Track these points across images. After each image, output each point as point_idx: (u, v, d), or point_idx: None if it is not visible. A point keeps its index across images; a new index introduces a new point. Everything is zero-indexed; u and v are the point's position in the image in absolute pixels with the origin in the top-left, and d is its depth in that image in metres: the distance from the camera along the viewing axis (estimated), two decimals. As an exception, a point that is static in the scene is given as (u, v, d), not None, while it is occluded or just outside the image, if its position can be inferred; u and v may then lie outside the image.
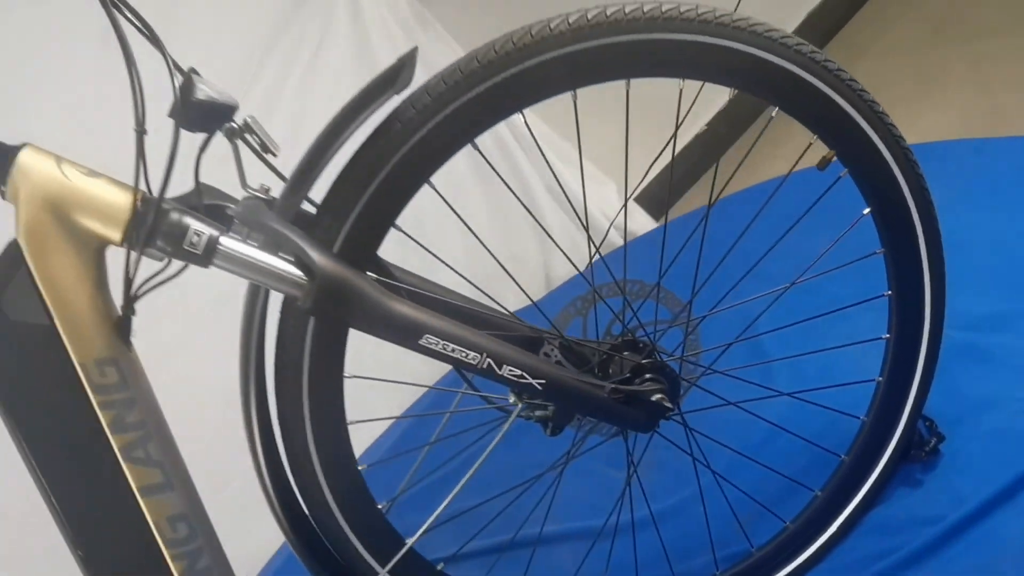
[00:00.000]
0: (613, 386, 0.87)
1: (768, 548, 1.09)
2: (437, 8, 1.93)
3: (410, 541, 0.95)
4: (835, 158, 0.95)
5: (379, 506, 0.93)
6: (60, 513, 0.79)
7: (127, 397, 0.78)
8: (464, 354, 0.80)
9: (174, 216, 0.72)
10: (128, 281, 0.75)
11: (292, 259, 0.76)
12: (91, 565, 0.81)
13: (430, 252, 0.94)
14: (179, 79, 0.74)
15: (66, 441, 0.78)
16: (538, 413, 0.94)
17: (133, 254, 0.74)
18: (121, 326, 0.77)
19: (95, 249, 0.75)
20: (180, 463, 0.84)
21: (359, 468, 0.91)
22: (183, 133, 0.75)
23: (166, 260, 0.75)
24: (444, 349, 0.80)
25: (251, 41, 1.78)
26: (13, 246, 0.73)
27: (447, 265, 0.95)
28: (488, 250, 0.98)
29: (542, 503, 1.03)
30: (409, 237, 0.87)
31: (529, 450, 1.08)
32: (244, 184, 0.81)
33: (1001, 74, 1.87)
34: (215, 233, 0.73)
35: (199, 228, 0.72)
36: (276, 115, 1.85)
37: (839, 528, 1.08)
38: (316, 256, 0.75)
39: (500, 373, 0.82)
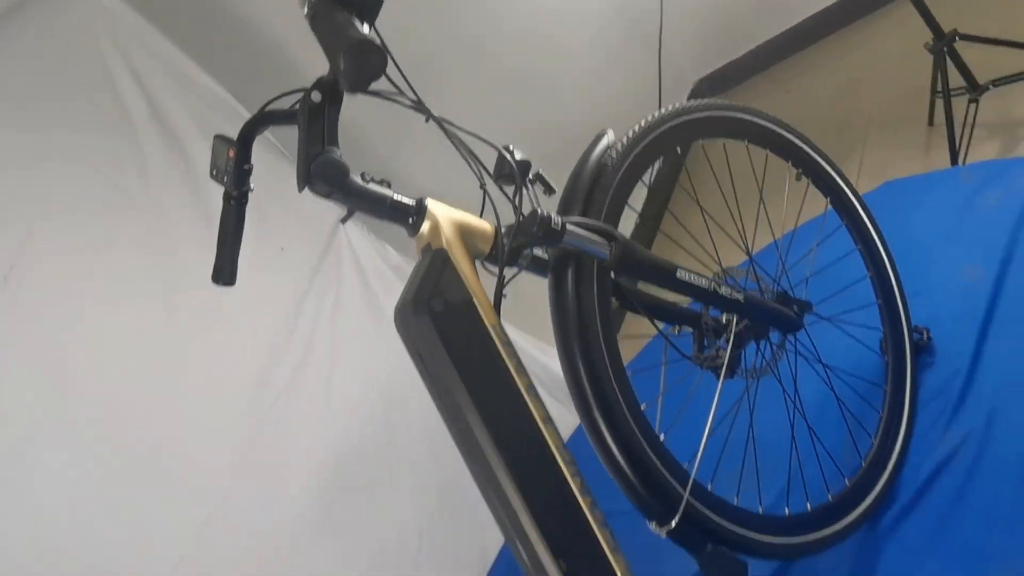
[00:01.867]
0: (780, 293, 1.35)
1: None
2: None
3: (692, 463, 1.25)
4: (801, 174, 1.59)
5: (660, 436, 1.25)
6: (492, 438, 1.04)
7: (514, 351, 1.10)
8: (702, 281, 1.24)
9: (541, 212, 1.13)
10: (501, 272, 1.13)
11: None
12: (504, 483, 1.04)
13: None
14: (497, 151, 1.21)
15: (491, 382, 1.07)
16: (717, 362, 1.36)
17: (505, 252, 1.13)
18: (496, 306, 1.12)
19: (474, 258, 1.13)
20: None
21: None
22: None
23: (528, 251, 1.14)
24: (691, 280, 1.23)
25: (286, 304, 2.17)
26: (439, 254, 1.08)
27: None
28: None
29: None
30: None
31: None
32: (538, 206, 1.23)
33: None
34: (561, 220, 1.14)
35: (555, 217, 1.13)
36: (313, 352, 2.18)
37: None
38: (612, 230, 1.19)
39: (721, 292, 1.26)
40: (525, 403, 1.08)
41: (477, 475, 1.07)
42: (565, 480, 1.07)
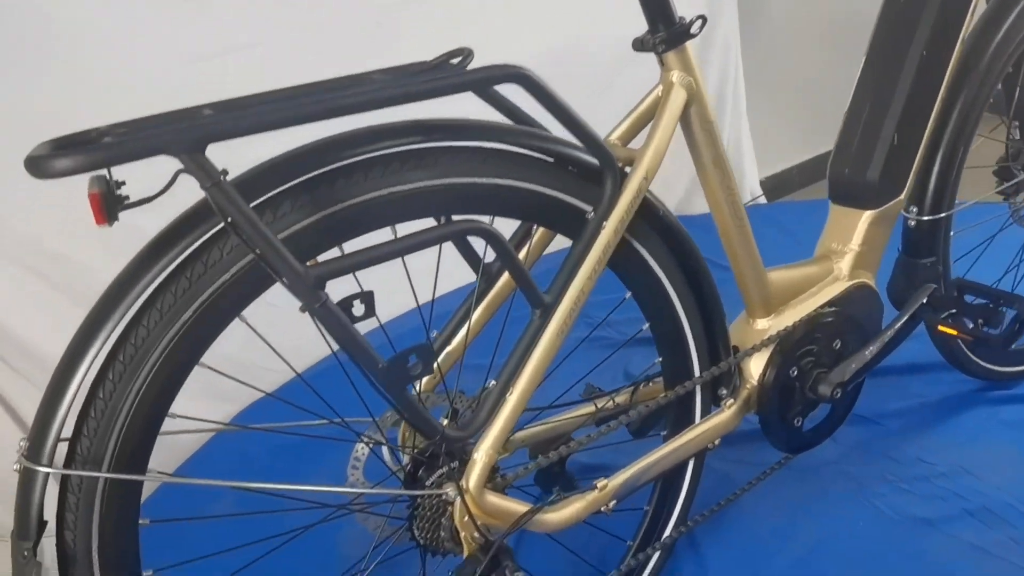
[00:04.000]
0: None
1: None
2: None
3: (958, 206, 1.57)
4: None
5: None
6: (924, 44, 1.37)
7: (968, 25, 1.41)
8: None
9: None
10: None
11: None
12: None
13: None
14: None
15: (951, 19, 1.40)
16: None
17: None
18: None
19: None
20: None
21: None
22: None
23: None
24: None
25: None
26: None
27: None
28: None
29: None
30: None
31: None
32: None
33: None
34: None
35: None
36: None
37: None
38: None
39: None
40: (953, 47, 1.41)
41: (879, 63, 1.42)
42: (932, 105, 1.40)
